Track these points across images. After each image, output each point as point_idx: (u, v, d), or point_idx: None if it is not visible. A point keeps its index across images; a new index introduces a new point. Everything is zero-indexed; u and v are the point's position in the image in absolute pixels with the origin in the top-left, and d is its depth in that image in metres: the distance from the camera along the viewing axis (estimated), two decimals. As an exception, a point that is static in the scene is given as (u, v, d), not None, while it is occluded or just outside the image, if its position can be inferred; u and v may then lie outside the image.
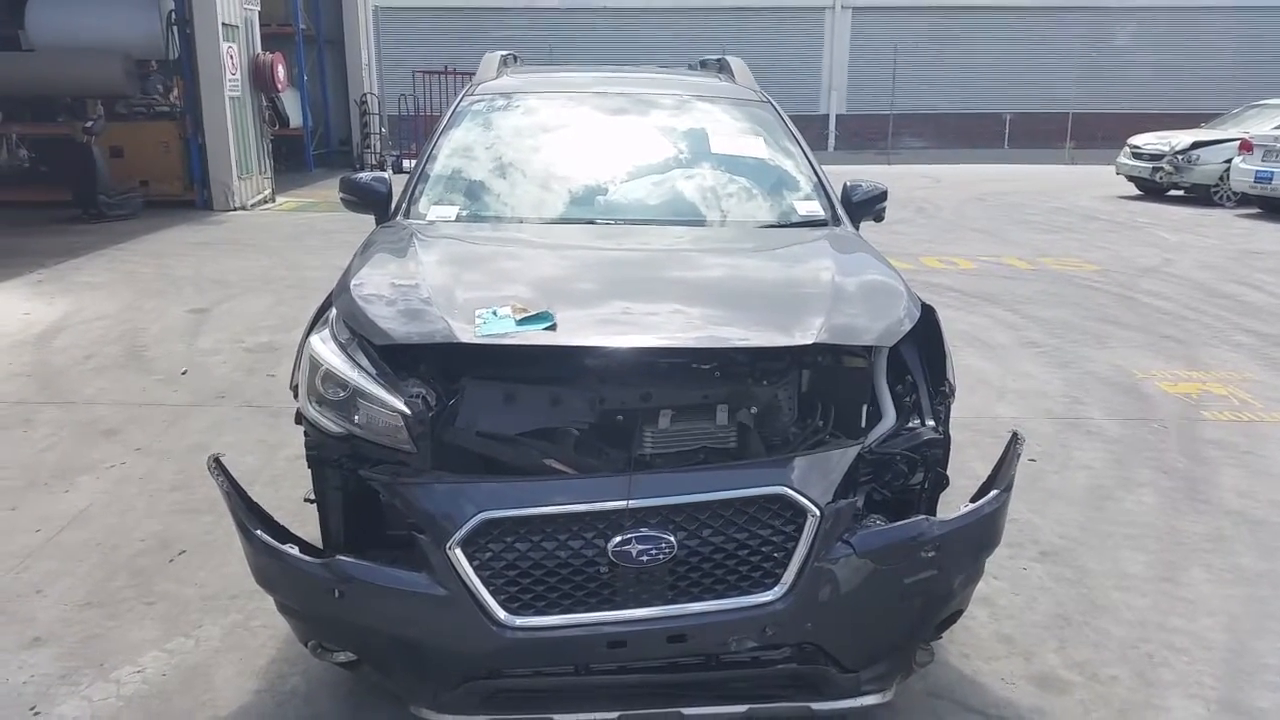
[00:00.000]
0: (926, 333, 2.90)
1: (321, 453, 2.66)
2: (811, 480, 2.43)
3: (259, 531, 2.52)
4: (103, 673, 3.10)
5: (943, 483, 2.78)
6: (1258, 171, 14.15)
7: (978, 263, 10.44)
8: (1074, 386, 6.15)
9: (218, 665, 3.15)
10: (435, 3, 25.99)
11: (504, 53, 5.17)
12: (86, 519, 4.18)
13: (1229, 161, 14.94)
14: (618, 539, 2.33)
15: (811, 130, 24.20)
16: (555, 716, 2.47)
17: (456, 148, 4.09)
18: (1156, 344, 7.16)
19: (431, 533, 2.35)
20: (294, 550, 2.50)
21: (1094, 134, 24.81)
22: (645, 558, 2.33)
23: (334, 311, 2.85)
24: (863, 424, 2.74)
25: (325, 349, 2.68)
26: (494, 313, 2.62)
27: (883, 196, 4.14)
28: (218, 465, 2.68)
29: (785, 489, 2.39)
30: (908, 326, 2.79)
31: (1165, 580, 3.77)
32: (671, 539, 2.34)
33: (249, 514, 2.59)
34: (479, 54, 5.29)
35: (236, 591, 3.54)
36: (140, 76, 13.88)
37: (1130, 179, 16.98)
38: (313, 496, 2.79)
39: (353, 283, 2.92)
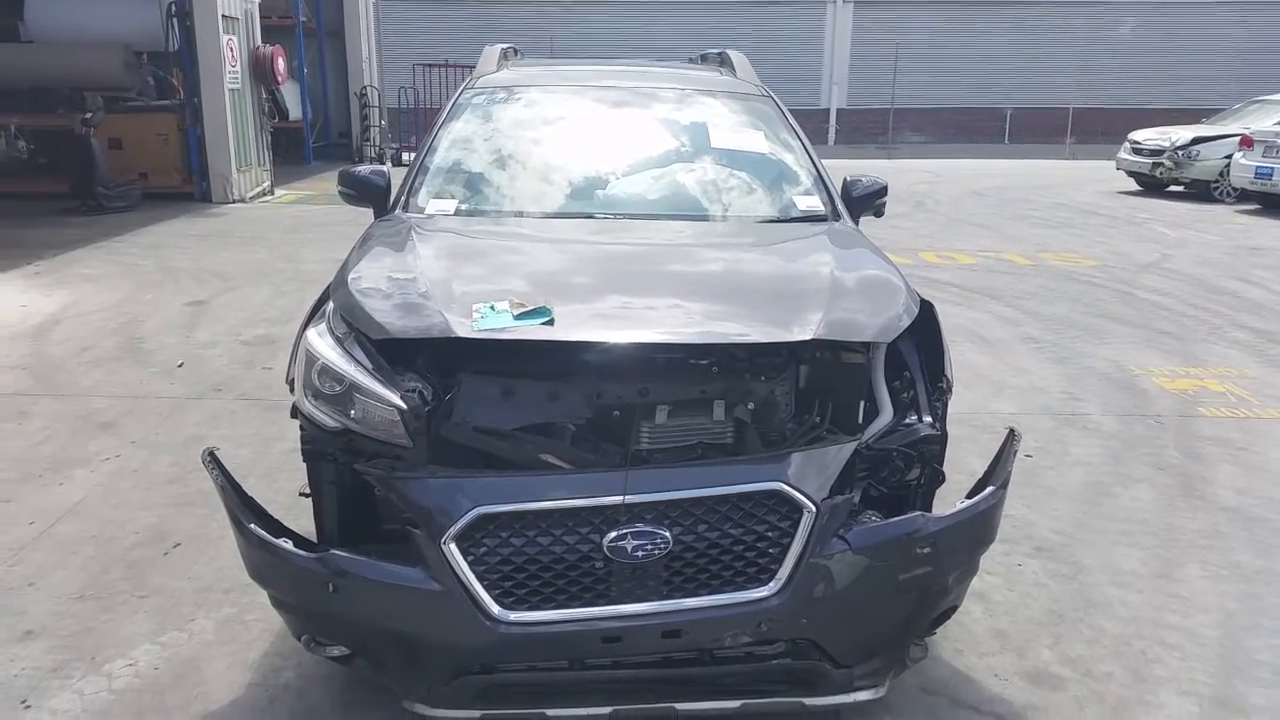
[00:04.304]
0: (925, 328, 2.89)
1: (317, 447, 2.66)
2: (808, 476, 2.43)
3: (253, 525, 2.51)
4: (95, 666, 3.10)
5: (939, 479, 2.78)
6: (1258, 167, 14.15)
7: (977, 258, 10.43)
8: (1072, 382, 6.14)
9: (210, 659, 3.15)
10: (436, -5, 25.97)
11: (505, 46, 5.14)
12: (81, 512, 4.17)
13: (1229, 157, 14.96)
14: (613, 534, 2.33)
15: (812, 124, 24.21)
16: (549, 711, 2.46)
17: (456, 141, 4.07)
18: (1154, 340, 7.16)
19: (426, 527, 2.34)
20: (288, 544, 2.49)
21: (1094, 129, 24.81)
22: (640, 553, 2.33)
23: (331, 305, 2.85)
24: (860, 420, 2.74)
25: (322, 343, 2.67)
26: (492, 307, 2.61)
27: (883, 192, 4.13)
28: (212, 459, 2.68)
29: (781, 485, 2.39)
30: (906, 322, 2.77)
31: (1160, 576, 3.77)
32: (667, 534, 2.34)
33: (243, 508, 2.59)
34: (480, 47, 5.26)
35: (230, 585, 3.53)
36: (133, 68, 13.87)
37: (1130, 174, 16.98)
38: (308, 491, 2.79)
39: (350, 276, 2.90)
